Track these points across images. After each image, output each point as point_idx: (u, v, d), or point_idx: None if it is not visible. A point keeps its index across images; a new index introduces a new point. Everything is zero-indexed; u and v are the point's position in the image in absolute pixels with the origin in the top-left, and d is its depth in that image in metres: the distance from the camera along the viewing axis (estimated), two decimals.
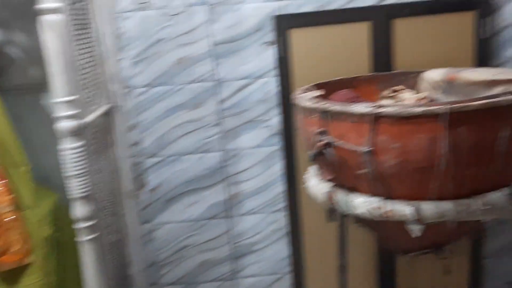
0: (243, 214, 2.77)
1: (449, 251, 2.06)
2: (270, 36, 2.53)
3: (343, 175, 1.89)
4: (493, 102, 1.61)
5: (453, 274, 2.69)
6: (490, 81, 2.10)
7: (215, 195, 2.73)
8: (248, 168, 2.70)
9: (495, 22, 2.46)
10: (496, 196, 1.74)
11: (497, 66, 2.50)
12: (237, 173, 2.71)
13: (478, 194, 1.74)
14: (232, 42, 2.54)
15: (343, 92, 2.24)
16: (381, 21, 2.49)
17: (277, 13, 2.50)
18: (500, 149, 1.66)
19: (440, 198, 1.72)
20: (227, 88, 2.59)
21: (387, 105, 1.72)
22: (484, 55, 2.48)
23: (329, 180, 1.98)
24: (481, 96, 1.70)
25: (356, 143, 1.74)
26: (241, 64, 2.56)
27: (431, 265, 2.59)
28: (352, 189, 1.88)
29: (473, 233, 2.59)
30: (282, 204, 2.75)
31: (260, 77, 2.58)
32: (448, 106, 1.58)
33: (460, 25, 2.48)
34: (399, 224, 1.80)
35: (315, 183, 2.07)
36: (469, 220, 1.75)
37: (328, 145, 1.84)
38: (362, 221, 2.07)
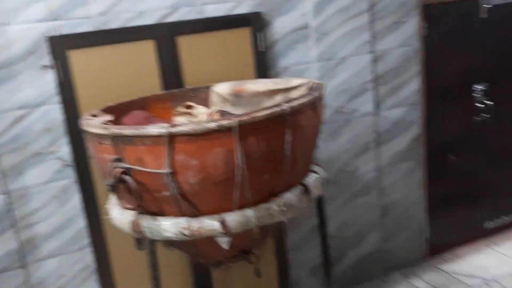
0: (41, 259, 2.46)
1: (256, 255, 2.16)
2: (47, 59, 2.30)
3: (147, 200, 1.81)
4: (277, 111, 1.73)
5: (264, 274, 2.84)
6: (272, 91, 2.28)
7: (3, 245, 2.36)
8: (40, 208, 2.41)
9: (269, 36, 2.69)
10: (290, 196, 1.88)
11: (274, 76, 2.73)
12: (28, 215, 2.39)
13: (275, 197, 1.86)
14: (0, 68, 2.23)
15: (135, 114, 2.17)
16: (165, 38, 2.49)
17: (52, 34, 2.28)
18: (288, 153, 1.80)
19: (242, 207, 1.79)
20: (0, 120, 2.26)
21: (181, 124, 1.71)
22: (263, 67, 2.69)
23: (133, 208, 1.88)
24: (266, 106, 1.81)
25: (155, 165, 1.69)
26: (15, 92, 2.27)
27: (243, 270, 2.69)
28: (158, 213, 1.82)
29: (275, 233, 2.78)
30: (86, 240, 2.52)
31: (40, 105, 2.33)
32: (237, 119, 1.65)
33: (239, 40, 2.64)
34: (209, 239, 1.80)
35: (119, 213, 1.95)
36: (270, 222, 1.85)
37: (126, 171, 1.74)
38: (172, 243, 2.02)
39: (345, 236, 3.15)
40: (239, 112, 1.82)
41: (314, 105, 1.91)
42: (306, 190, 1.97)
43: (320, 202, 2.24)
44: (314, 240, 2.97)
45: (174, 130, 1.64)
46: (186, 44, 2.53)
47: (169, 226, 1.78)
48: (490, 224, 3.62)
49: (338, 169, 3.03)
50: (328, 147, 2.96)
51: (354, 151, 3.05)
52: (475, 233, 3.59)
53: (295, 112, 1.78)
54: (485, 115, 3.38)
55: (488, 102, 3.35)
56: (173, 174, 1.68)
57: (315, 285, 3.11)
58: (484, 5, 3.19)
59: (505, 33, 3.25)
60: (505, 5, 3.21)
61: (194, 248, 2.06)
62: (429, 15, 3.06)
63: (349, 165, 3.06)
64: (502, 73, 3.35)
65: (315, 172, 2.09)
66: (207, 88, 2.44)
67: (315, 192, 2.01)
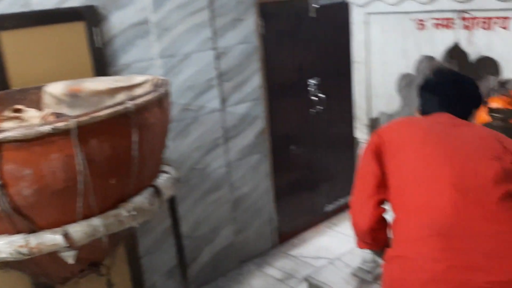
0: None
1: (106, 266, 2.02)
2: None
3: None
4: (120, 109, 1.62)
5: (117, 284, 2.68)
6: (113, 89, 2.15)
7: None
8: None
9: (106, 31, 2.53)
10: (140, 200, 1.79)
11: (115, 73, 2.58)
12: None
13: (124, 202, 1.75)
14: None
15: None
16: None
17: None
18: (135, 154, 1.71)
19: (88, 216, 1.65)
20: None
21: (9, 129, 1.50)
22: (102, 64, 2.52)
23: None
24: (108, 105, 1.69)
25: None
26: None
27: (94, 284, 2.51)
28: None
29: (126, 240, 2.65)
30: None
31: None
32: (75, 120, 1.50)
33: (73, 35, 2.42)
34: (52, 256, 1.62)
35: None
36: (120, 229, 1.74)
37: None
38: (8, 264, 1.78)
39: (199, 234, 3.14)
40: (77, 114, 1.66)
41: (160, 102, 1.85)
42: (157, 191, 1.90)
43: (172, 203, 2.19)
44: (168, 242, 2.89)
45: (0, 136, 1.43)
46: (10, 40, 2.25)
47: (2, 246, 1.56)
48: (329, 207, 3.94)
49: (189, 168, 3.00)
50: (177, 146, 2.90)
51: (203, 148, 3.05)
52: (317, 217, 3.88)
53: (141, 109, 1.69)
54: (319, 107, 3.67)
55: (321, 95, 3.63)
56: (3, 186, 1.47)
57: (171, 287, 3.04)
58: (312, 5, 3.44)
59: (331, 31, 3.55)
60: (330, 6, 3.50)
61: (35, 267, 1.84)
62: (265, 13, 3.19)
63: (199, 163, 3.05)
64: (331, 68, 3.65)
65: (165, 172, 2.03)
66: (38, 88, 2.21)
67: (167, 193, 1.95)
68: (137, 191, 1.80)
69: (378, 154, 1.59)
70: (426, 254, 1.37)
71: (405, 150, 1.54)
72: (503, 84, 2.45)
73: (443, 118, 1.61)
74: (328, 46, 3.61)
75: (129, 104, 1.65)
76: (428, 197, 1.43)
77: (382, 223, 1.59)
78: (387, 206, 1.59)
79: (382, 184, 1.57)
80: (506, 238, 1.34)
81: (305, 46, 3.50)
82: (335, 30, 3.42)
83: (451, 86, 1.68)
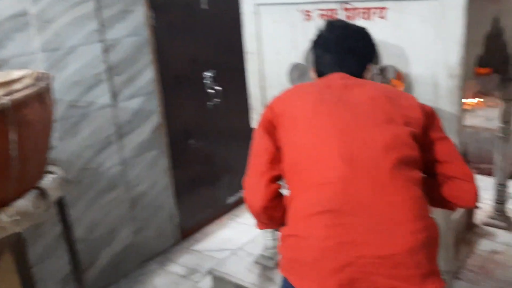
0: None
1: None
2: None
3: None
4: None
5: None
6: None
7: None
8: None
9: None
10: (23, 203, 1.65)
11: None
12: None
13: (5, 206, 1.60)
14: None
15: None
16: None
17: None
18: (14, 154, 1.57)
19: None
20: None
21: None
22: None
23: None
24: None
25: None
26: None
27: None
28: None
29: (13, 248, 2.44)
30: None
31: None
32: None
33: None
34: None
35: None
36: (3, 236, 1.60)
37: None
38: None
39: (96, 236, 2.98)
40: None
41: (41, 97, 1.71)
42: (43, 193, 1.76)
43: (61, 205, 2.06)
44: (62, 248, 2.71)
45: None
46: None
47: None
48: (231, 200, 3.97)
49: (80, 168, 2.83)
50: (66, 145, 2.73)
51: (95, 146, 2.90)
52: (219, 210, 3.89)
53: (19, 105, 1.56)
54: (216, 100, 3.66)
55: (217, 87, 3.63)
56: None
57: None
58: None
59: (225, 23, 3.56)
60: None
61: None
62: (155, 4, 3.10)
63: (91, 162, 2.90)
64: (226, 60, 3.66)
65: (51, 172, 1.89)
66: None
67: (54, 194, 1.83)
68: (19, 194, 1.66)
69: (271, 128, 1.53)
70: (315, 231, 1.34)
71: (296, 123, 1.48)
72: (382, 71, 2.62)
73: (335, 80, 1.55)
74: (222, 38, 3.61)
75: (5, 100, 1.51)
76: (319, 172, 1.38)
77: (276, 201, 1.52)
78: (283, 183, 1.53)
79: (276, 160, 1.51)
80: (396, 209, 1.32)
81: (199, 38, 3.47)
82: (228, 21, 3.43)
83: (342, 41, 1.62)
